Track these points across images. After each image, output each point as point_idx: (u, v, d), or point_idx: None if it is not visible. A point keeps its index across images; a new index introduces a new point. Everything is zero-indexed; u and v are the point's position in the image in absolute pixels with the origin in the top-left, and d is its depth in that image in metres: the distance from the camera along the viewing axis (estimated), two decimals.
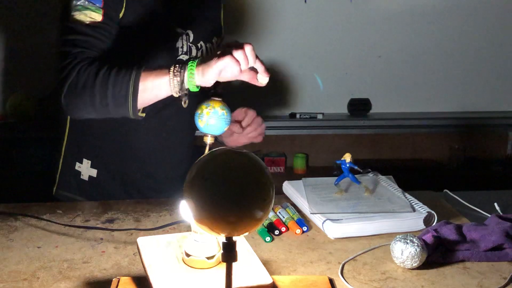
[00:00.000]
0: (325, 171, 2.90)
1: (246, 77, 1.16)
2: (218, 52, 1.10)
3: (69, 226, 1.18)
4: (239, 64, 1.08)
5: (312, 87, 2.88)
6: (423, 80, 2.92)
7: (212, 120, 1.20)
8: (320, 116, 2.90)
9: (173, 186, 1.49)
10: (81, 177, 1.41)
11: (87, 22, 1.21)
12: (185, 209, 0.80)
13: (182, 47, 1.35)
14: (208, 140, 1.25)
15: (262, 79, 1.19)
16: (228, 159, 0.77)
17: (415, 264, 0.99)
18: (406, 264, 1.00)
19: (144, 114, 1.22)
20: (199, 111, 1.25)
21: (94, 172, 1.40)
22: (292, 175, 2.91)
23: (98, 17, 1.22)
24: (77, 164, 1.41)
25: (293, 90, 2.88)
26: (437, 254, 1.04)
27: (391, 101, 2.95)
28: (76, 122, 1.39)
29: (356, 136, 3.05)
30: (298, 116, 2.90)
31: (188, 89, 1.14)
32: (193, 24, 1.38)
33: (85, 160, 1.40)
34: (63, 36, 1.23)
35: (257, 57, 1.12)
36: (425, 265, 1.00)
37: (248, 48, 1.09)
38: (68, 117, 1.39)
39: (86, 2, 1.22)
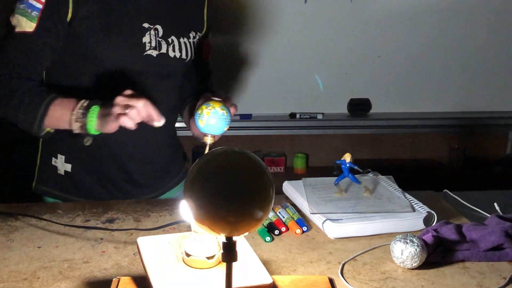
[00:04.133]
0: (325, 171, 2.90)
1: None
2: (112, 111, 1.15)
3: (69, 226, 1.18)
4: (132, 120, 1.15)
5: (312, 87, 2.88)
6: (423, 80, 2.92)
7: (212, 120, 1.20)
8: (320, 116, 2.90)
9: (151, 180, 1.49)
10: (58, 172, 1.42)
11: (18, 31, 1.25)
12: (185, 209, 0.80)
13: (150, 42, 1.33)
14: (208, 140, 1.25)
15: (157, 124, 1.21)
16: (228, 159, 0.77)
17: (415, 264, 0.99)
18: (406, 264, 1.00)
19: (53, 130, 1.28)
20: (199, 111, 1.25)
21: (68, 167, 1.41)
22: (292, 175, 2.92)
23: (29, 28, 1.25)
24: (53, 159, 1.42)
25: (293, 90, 2.88)
26: (437, 254, 1.04)
27: (391, 101, 2.95)
28: None
29: (356, 136, 3.05)
30: (298, 116, 2.90)
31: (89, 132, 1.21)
32: (162, 19, 1.36)
33: (59, 155, 1.41)
34: (5, 38, 1.28)
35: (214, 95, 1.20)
36: (425, 265, 1.01)
37: (141, 105, 1.15)
38: None
39: (26, 8, 1.24)
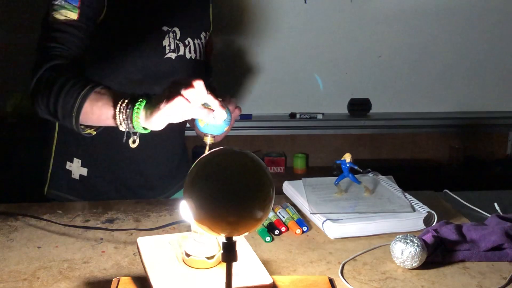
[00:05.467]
0: (325, 171, 2.91)
1: (199, 115, 1.03)
2: (166, 93, 1.01)
3: (69, 226, 1.18)
4: (190, 102, 0.99)
5: (312, 87, 2.88)
6: (423, 80, 2.92)
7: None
8: (320, 116, 2.90)
9: (162, 183, 1.49)
10: (72, 176, 1.41)
11: (63, 20, 1.21)
12: (185, 209, 0.80)
13: (169, 45, 1.34)
14: (208, 140, 1.25)
15: (219, 116, 1.06)
16: (228, 159, 0.77)
17: (415, 264, 0.99)
18: (406, 264, 1.00)
19: (95, 132, 1.18)
20: None
21: (84, 171, 1.40)
22: (292, 175, 2.92)
23: (73, 15, 1.22)
24: (68, 163, 1.41)
25: (293, 90, 2.88)
26: (437, 254, 1.04)
27: (391, 101, 2.95)
28: None
29: (356, 136, 3.05)
30: (298, 116, 2.90)
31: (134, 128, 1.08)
32: (179, 21, 1.37)
33: (75, 159, 1.40)
34: (42, 33, 1.24)
35: (210, 92, 1.02)
36: (425, 265, 1.01)
37: (198, 84, 0.99)
38: None
39: (63, 2, 1.22)
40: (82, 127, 1.15)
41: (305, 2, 2.75)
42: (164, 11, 1.35)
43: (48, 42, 1.21)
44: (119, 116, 1.07)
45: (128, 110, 1.06)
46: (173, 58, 1.35)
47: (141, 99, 1.06)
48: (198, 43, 1.42)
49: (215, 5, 1.55)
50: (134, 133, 1.09)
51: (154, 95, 1.06)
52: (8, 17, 2.61)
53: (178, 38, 1.36)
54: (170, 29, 1.35)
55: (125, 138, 1.10)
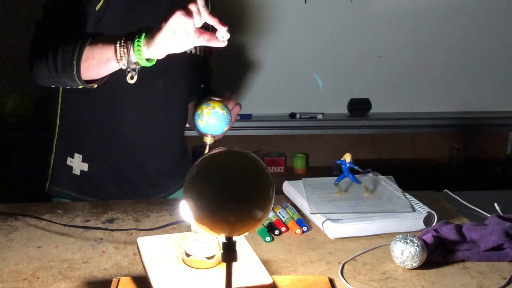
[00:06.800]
0: (325, 171, 2.90)
1: (204, 40, 1.03)
2: (166, 16, 1.00)
3: (69, 226, 1.18)
4: (192, 17, 0.98)
5: (312, 87, 2.88)
6: (423, 80, 2.92)
7: (212, 120, 1.20)
8: (320, 116, 2.90)
9: (163, 181, 1.49)
10: (73, 171, 1.41)
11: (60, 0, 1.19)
12: (185, 209, 0.80)
13: None
14: (208, 140, 1.25)
15: (222, 35, 1.03)
16: (228, 159, 0.77)
17: (415, 264, 0.99)
18: (406, 264, 1.00)
19: (96, 86, 1.16)
20: (199, 111, 1.25)
21: (85, 166, 1.40)
22: (292, 175, 2.91)
23: None
24: (69, 159, 1.40)
25: (293, 90, 2.88)
26: (437, 254, 1.04)
27: (391, 101, 2.95)
28: (66, 117, 1.39)
29: (356, 136, 3.05)
30: (298, 116, 2.90)
31: (137, 63, 1.07)
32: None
33: (76, 155, 1.39)
34: (43, 16, 1.22)
35: (210, 14, 1.01)
36: (425, 265, 1.01)
37: (199, 0, 0.99)
38: (58, 112, 1.38)
39: None
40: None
41: (305, 2, 2.75)
42: (164, 5, 1.33)
43: (44, 20, 1.19)
44: (120, 50, 1.06)
45: (128, 42, 1.05)
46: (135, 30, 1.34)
47: (141, 32, 1.05)
48: None
49: (215, 5, 1.55)
50: (134, 69, 1.07)
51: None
52: (8, 17, 2.61)
53: None
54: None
55: (127, 75, 1.08)
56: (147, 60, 1.08)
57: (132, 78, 1.08)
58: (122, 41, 1.06)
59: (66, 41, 1.11)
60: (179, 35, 1.01)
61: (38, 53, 1.14)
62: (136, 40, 1.04)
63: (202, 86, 1.56)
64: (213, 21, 1.02)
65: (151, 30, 1.04)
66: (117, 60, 1.07)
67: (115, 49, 1.06)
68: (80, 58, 1.09)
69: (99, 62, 1.10)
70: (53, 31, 1.17)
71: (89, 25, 1.22)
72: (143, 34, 1.05)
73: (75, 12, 1.20)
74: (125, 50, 1.05)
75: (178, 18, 0.98)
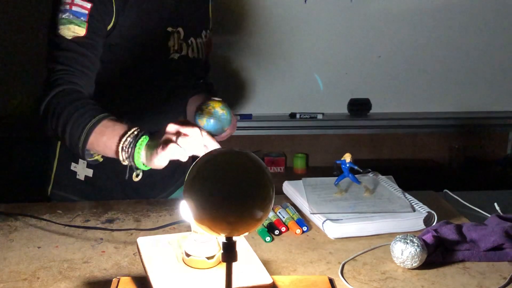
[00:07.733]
0: (325, 171, 2.91)
1: (198, 154, 1.05)
2: (163, 139, 1.02)
3: (69, 226, 1.18)
4: (184, 151, 1.02)
5: (312, 87, 2.88)
6: (423, 80, 2.92)
7: (212, 120, 1.20)
8: (320, 116, 2.90)
9: (167, 183, 1.50)
10: (77, 177, 1.41)
11: (70, 38, 1.19)
12: (185, 209, 0.80)
13: (173, 46, 1.34)
14: None
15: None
16: (228, 159, 0.77)
17: (415, 264, 0.99)
18: (406, 264, 1.00)
19: (102, 159, 1.20)
20: (199, 111, 1.25)
21: (90, 172, 1.40)
22: (292, 175, 2.92)
23: (81, 31, 1.19)
24: (73, 164, 1.40)
25: (293, 90, 2.88)
26: (437, 254, 1.04)
27: (391, 101, 2.95)
28: None
29: (356, 136, 3.05)
30: (298, 116, 2.90)
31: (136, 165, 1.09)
32: (183, 21, 1.36)
33: (80, 161, 1.40)
34: (49, 51, 1.22)
35: (208, 132, 1.04)
36: (425, 265, 1.01)
37: (193, 132, 1.02)
38: None
39: (71, 16, 1.19)
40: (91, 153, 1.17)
41: (305, 2, 2.75)
42: (168, 12, 1.34)
43: (55, 63, 1.20)
44: (122, 154, 1.09)
45: (130, 149, 1.07)
46: (176, 58, 1.35)
47: (142, 137, 1.07)
48: (199, 42, 1.42)
49: (215, 4, 1.55)
50: (137, 168, 1.10)
51: (156, 132, 1.07)
52: (8, 17, 2.61)
53: (182, 38, 1.36)
54: (174, 30, 1.34)
55: (127, 175, 1.10)
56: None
57: (137, 176, 1.11)
58: (125, 147, 1.08)
59: (73, 122, 1.12)
60: (174, 159, 1.03)
61: (48, 119, 1.17)
62: (137, 151, 1.06)
63: (201, 81, 1.56)
64: (212, 146, 1.03)
65: (152, 139, 1.06)
66: (120, 160, 1.10)
67: (117, 152, 1.09)
68: (85, 146, 1.12)
69: (103, 152, 1.13)
70: (62, 89, 1.18)
71: (97, 56, 1.23)
72: (144, 143, 1.06)
73: (84, 51, 1.21)
74: (127, 155, 1.08)
75: (171, 150, 1.01)
